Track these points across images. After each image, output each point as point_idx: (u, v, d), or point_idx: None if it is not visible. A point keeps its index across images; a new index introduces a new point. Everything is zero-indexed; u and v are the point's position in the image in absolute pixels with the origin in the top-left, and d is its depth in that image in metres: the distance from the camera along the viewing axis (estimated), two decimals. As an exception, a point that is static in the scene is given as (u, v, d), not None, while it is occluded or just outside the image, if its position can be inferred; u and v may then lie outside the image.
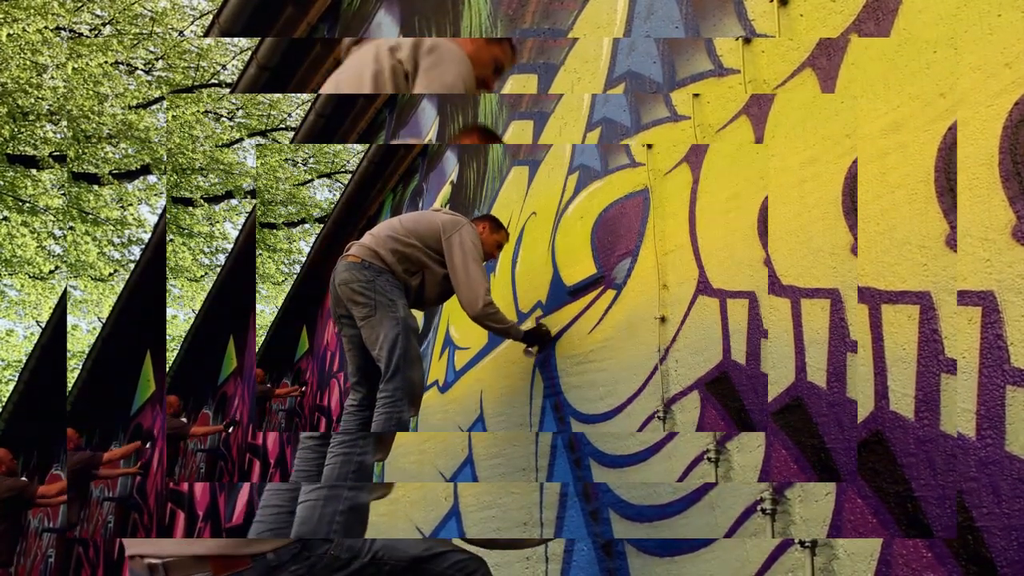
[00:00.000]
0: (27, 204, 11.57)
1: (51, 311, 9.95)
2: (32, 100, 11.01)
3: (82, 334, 15.09)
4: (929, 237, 1.41)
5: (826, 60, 1.67)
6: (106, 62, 11.45)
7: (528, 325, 2.79)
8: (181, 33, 13.07)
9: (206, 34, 5.36)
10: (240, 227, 7.68)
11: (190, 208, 13.29)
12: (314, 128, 5.74)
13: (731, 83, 1.94)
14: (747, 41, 1.90)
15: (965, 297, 1.33)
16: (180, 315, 15.38)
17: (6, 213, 11.61)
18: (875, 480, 1.44)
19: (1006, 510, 1.23)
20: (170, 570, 1.49)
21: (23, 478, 5.90)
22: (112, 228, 12.80)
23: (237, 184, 13.48)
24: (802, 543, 1.58)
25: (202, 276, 13.92)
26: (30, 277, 12.70)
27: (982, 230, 1.33)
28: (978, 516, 1.27)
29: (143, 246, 10.15)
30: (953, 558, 1.30)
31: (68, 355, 10.06)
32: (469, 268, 2.51)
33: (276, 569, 1.52)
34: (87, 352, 9.60)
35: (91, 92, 11.39)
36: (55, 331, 8.92)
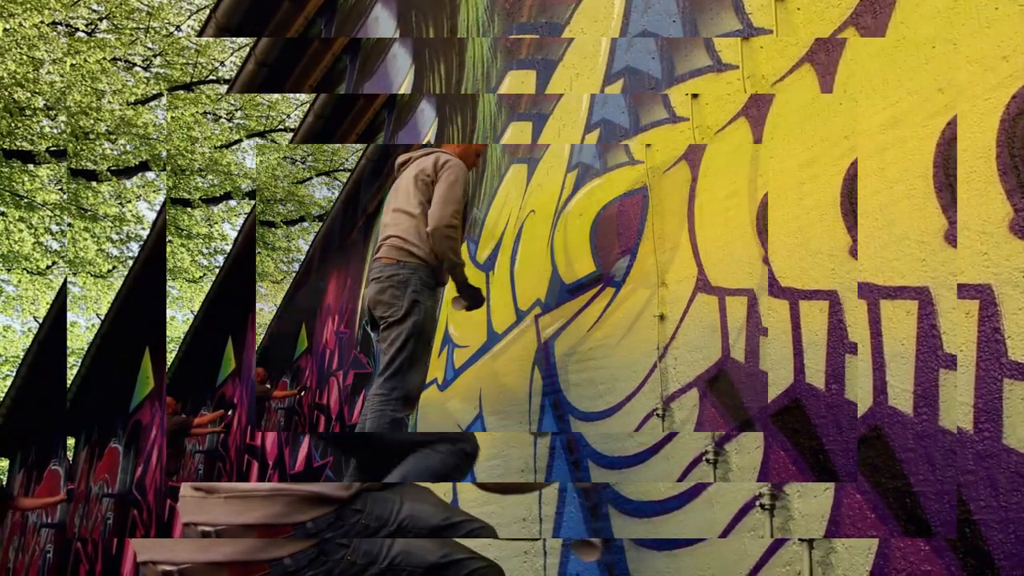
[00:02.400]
0: (24, 199, 11.55)
1: (49, 307, 9.95)
2: (29, 95, 10.98)
3: (81, 331, 15.09)
4: (928, 232, 1.41)
5: (825, 56, 1.67)
6: (104, 58, 11.42)
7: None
8: (179, 28, 13.03)
9: (202, 29, 5.34)
10: (239, 228, 7.69)
11: (188, 209, 13.26)
12: (313, 129, 5.73)
13: (730, 79, 1.94)
14: (746, 38, 1.89)
15: (963, 290, 1.33)
16: (179, 316, 15.38)
17: (3, 208, 11.59)
18: (874, 476, 1.43)
19: (1003, 503, 1.23)
20: None
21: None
22: (111, 224, 12.78)
23: (236, 185, 13.45)
24: (762, 506, 1.60)
25: (200, 277, 13.90)
26: (27, 272, 12.68)
27: (980, 223, 1.33)
28: (975, 509, 1.27)
29: (142, 243, 10.14)
30: (951, 551, 1.30)
31: (68, 352, 10.06)
32: (453, 190, 2.51)
33: (293, 574, 1.53)
34: (86, 349, 9.60)
35: (89, 88, 11.36)
36: (54, 326, 8.91)
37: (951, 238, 1.37)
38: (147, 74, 12.87)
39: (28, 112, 11.21)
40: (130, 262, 12.09)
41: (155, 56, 12.87)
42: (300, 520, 1.56)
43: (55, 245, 12.91)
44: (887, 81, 1.53)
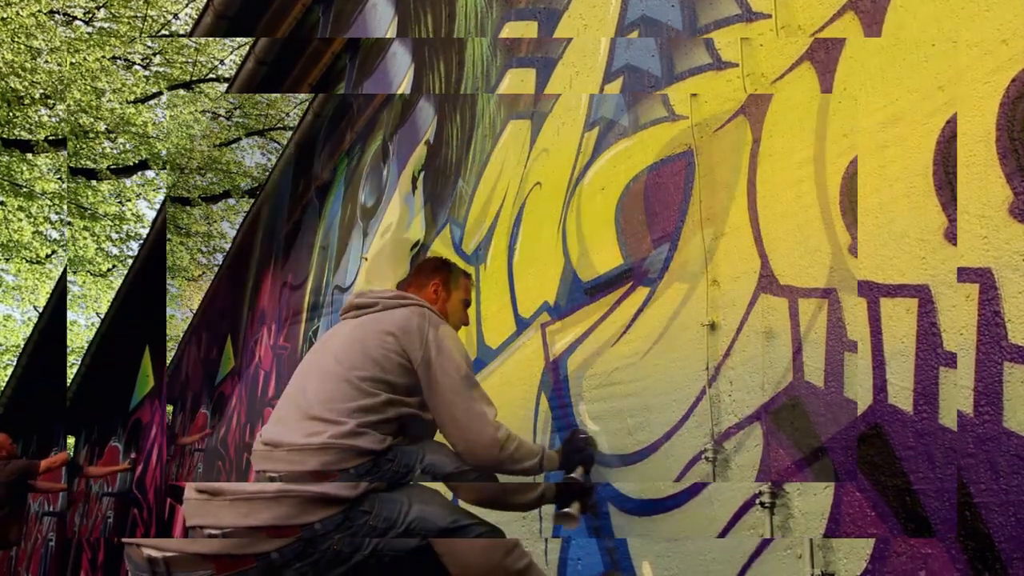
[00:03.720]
0: (23, 188, 11.54)
1: (48, 296, 9.96)
2: (26, 84, 10.96)
3: (81, 329, 15.11)
4: (928, 230, 1.41)
5: (824, 54, 1.66)
6: (103, 57, 11.41)
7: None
8: (176, 16, 12.97)
9: (199, 18, 5.34)
10: (238, 226, 7.70)
11: (188, 208, 13.25)
12: (311, 128, 5.74)
13: (729, 77, 1.93)
14: (747, 23, 1.89)
15: (963, 274, 1.33)
16: (178, 315, 15.38)
17: (2, 198, 11.59)
18: (874, 474, 1.43)
19: (1004, 486, 1.23)
20: (171, 565, 1.48)
21: (24, 458, 6.99)
22: (110, 223, 12.79)
23: (235, 184, 13.43)
24: (762, 504, 1.59)
25: (200, 275, 13.89)
26: (27, 262, 12.68)
27: (979, 207, 1.32)
28: (976, 492, 1.27)
29: (141, 241, 10.15)
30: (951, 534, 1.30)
31: (68, 350, 10.08)
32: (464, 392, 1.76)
33: (280, 568, 1.53)
34: (86, 348, 9.61)
35: (88, 87, 11.36)
36: (53, 315, 8.92)
37: (951, 236, 1.37)
38: (146, 73, 12.86)
39: (26, 101, 11.19)
40: (130, 261, 12.09)
41: (154, 55, 12.86)
42: (308, 521, 1.55)
43: (54, 234, 12.92)
44: (887, 79, 1.52)
